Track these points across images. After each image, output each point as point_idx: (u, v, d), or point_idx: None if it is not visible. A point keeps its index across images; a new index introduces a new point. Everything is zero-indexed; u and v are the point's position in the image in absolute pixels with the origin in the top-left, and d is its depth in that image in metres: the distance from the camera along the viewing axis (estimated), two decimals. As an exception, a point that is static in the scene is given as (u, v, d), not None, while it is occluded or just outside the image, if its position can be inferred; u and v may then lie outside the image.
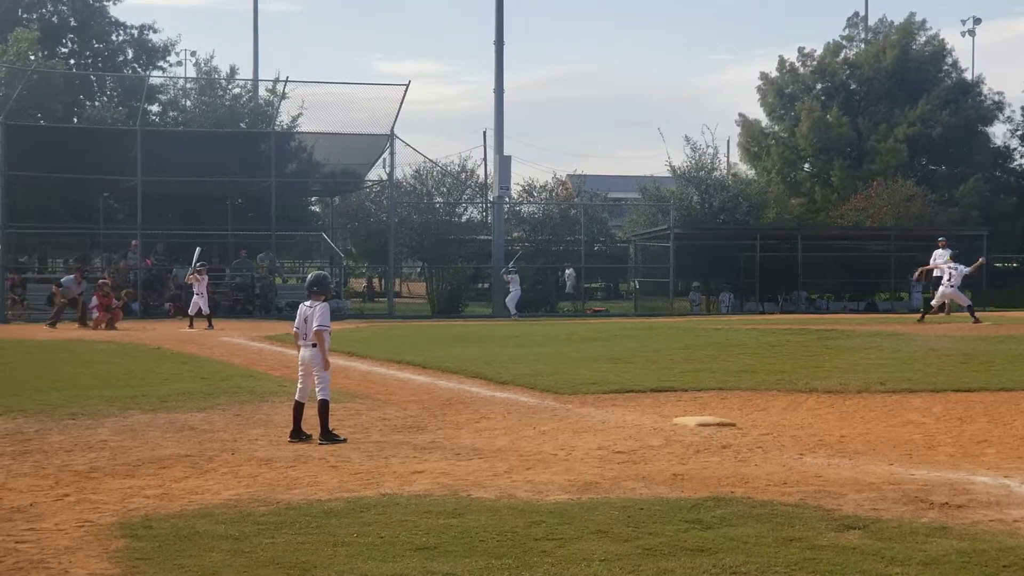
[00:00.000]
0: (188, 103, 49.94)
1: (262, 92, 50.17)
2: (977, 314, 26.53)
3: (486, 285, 48.64)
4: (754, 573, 6.34)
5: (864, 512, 7.91)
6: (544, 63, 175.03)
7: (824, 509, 8.01)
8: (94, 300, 30.57)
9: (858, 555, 6.73)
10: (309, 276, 12.64)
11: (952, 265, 26.51)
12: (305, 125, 44.60)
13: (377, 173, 46.48)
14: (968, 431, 12.06)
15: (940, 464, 10.10)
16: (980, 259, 27.05)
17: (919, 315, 26.63)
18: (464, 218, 52.40)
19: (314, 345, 11.70)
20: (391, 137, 40.50)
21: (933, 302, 29.22)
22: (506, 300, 39.14)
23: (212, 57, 52.28)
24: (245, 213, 45.99)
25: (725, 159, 60.75)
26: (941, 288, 26.60)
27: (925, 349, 19.73)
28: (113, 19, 53.56)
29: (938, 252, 32.07)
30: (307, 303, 11.86)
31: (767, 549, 6.86)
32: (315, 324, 11.63)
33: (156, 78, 51.81)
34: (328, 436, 11.44)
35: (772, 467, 9.86)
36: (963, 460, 10.34)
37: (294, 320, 12.05)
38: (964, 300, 26.65)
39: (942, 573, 6.36)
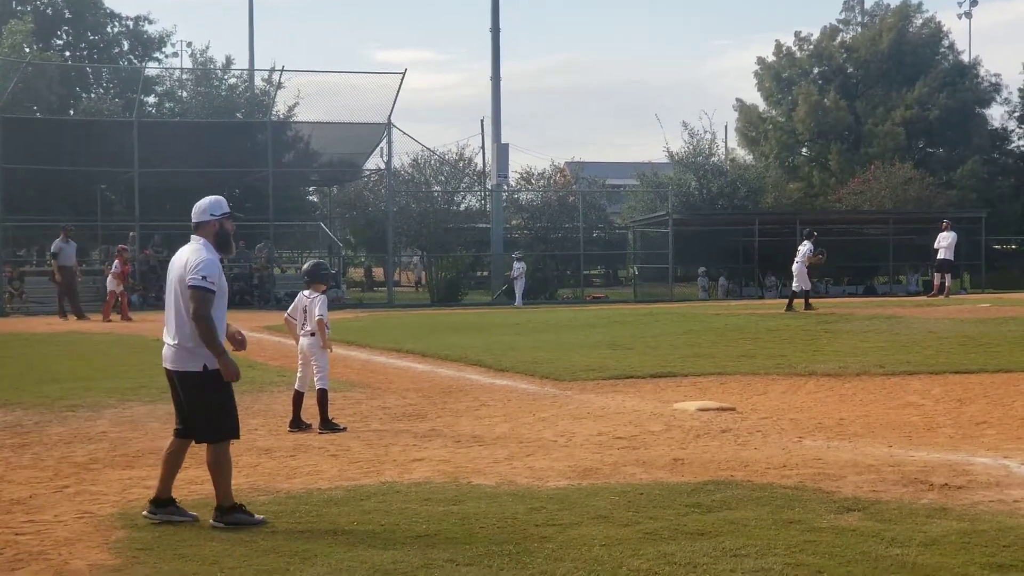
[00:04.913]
0: (184, 94, 49.84)
1: (258, 82, 50.11)
2: (809, 304, 26.22)
3: (485, 273, 48.62)
4: (754, 556, 6.34)
5: (864, 494, 7.92)
6: (543, 51, 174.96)
7: (824, 491, 8.02)
8: (116, 266, 30.03)
9: (858, 537, 6.74)
10: (306, 265, 12.64)
11: (808, 249, 26.53)
12: (302, 114, 44.54)
13: (375, 162, 46.39)
14: (967, 412, 12.07)
15: (939, 446, 10.10)
16: (820, 255, 26.86)
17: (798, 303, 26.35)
18: (463, 206, 52.33)
19: (313, 334, 11.70)
20: (388, 126, 40.42)
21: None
22: (516, 290, 39.20)
23: (208, 48, 52.63)
24: (243, 203, 45.84)
25: (723, 144, 60.73)
26: (796, 267, 26.65)
27: (924, 332, 19.73)
28: (108, 10, 53.50)
29: (942, 235, 32.12)
30: (305, 292, 11.84)
31: (767, 532, 6.87)
32: (316, 315, 11.63)
33: (152, 69, 51.79)
34: (328, 425, 11.45)
35: (772, 450, 9.87)
36: (962, 441, 10.35)
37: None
38: (800, 285, 26.51)
39: (942, 554, 6.36)
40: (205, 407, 7.48)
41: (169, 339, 7.57)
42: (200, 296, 7.39)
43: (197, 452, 10.14)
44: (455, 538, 6.88)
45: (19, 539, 7.10)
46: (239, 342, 7.90)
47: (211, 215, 7.71)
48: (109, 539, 7.08)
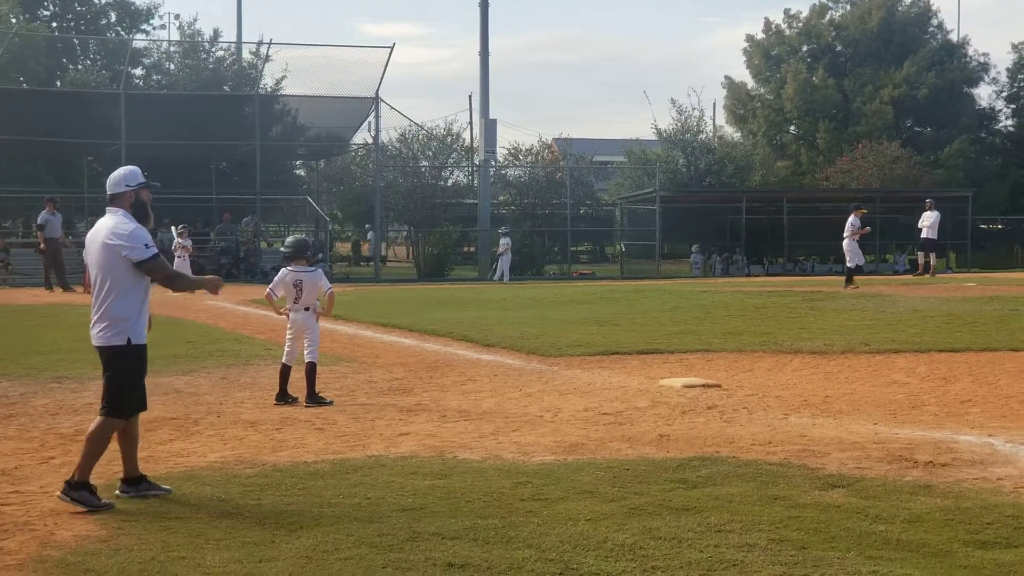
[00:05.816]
0: (172, 66, 49.61)
1: (246, 55, 49.91)
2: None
3: (472, 248, 48.59)
4: (739, 531, 6.37)
5: (848, 471, 7.95)
6: (532, 27, 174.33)
7: (808, 468, 8.04)
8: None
9: (842, 513, 6.76)
10: (288, 240, 12.64)
11: (853, 222, 26.77)
12: (289, 88, 44.40)
13: (362, 136, 46.32)
14: (952, 391, 12.10)
15: (924, 423, 10.14)
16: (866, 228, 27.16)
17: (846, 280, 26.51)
18: (450, 182, 52.25)
19: (306, 309, 11.71)
20: (376, 100, 40.31)
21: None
22: (502, 266, 39.09)
23: (195, 20, 52.12)
24: (230, 177, 45.81)
25: (711, 122, 60.74)
26: (845, 242, 26.89)
27: (909, 310, 19.79)
28: (95, -19, 53.07)
29: (926, 214, 32.24)
30: (290, 267, 11.80)
31: (752, 508, 6.89)
32: (326, 287, 11.72)
33: (139, 41, 51.49)
34: (314, 399, 11.45)
35: (757, 427, 9.90)
36: (947, 419, 10.38)
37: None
38: (853, 261, 26.77)
39: (926, 531, 6.40)
40: (117, 380, 7.34)
41: (95, 315, 7.38)
42: (154, 265, 7.34)
43: (182, 422, 10.17)
44: (441, 512, 6.89)
45: (4, 510, 7.09)
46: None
47: (126, 186, 7.48)
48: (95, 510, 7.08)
